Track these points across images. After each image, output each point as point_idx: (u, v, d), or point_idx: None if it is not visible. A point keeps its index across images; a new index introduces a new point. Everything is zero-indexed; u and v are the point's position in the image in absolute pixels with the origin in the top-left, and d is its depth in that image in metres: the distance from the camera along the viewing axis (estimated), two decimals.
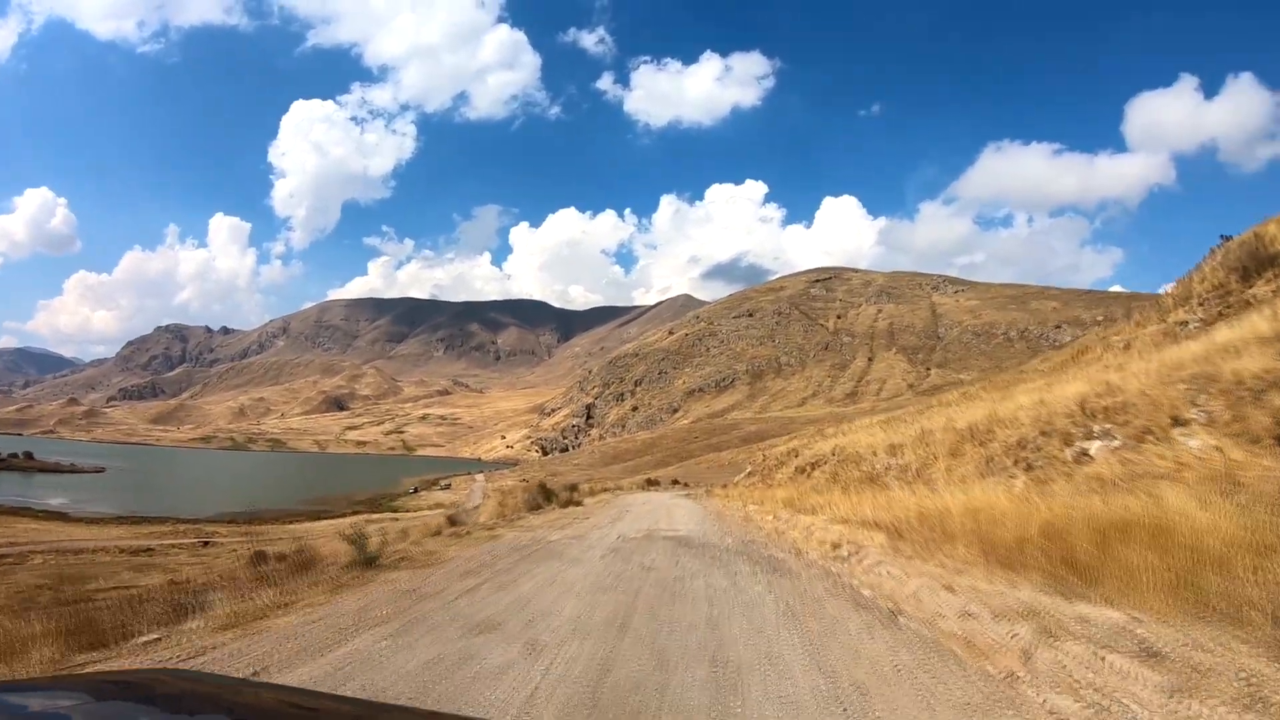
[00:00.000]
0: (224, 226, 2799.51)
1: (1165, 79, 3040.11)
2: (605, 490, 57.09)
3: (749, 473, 43.41)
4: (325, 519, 79.26)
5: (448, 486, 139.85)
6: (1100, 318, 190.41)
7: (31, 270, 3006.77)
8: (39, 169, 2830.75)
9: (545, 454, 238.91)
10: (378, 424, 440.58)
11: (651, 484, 76.64)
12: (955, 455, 18.31)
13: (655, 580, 9.94)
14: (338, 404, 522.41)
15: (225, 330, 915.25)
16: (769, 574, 10.37)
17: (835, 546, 12.14)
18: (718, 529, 18.15)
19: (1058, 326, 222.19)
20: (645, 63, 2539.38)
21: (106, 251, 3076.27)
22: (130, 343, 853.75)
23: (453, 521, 18.02)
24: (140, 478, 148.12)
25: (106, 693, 2.56)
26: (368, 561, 11.20)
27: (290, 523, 77.37)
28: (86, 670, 6.33)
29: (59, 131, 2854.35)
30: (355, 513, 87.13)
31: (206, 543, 54.02)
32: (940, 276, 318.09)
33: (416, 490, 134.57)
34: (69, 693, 2.54)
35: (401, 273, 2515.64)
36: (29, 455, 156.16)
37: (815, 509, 18.18)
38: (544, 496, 29.25)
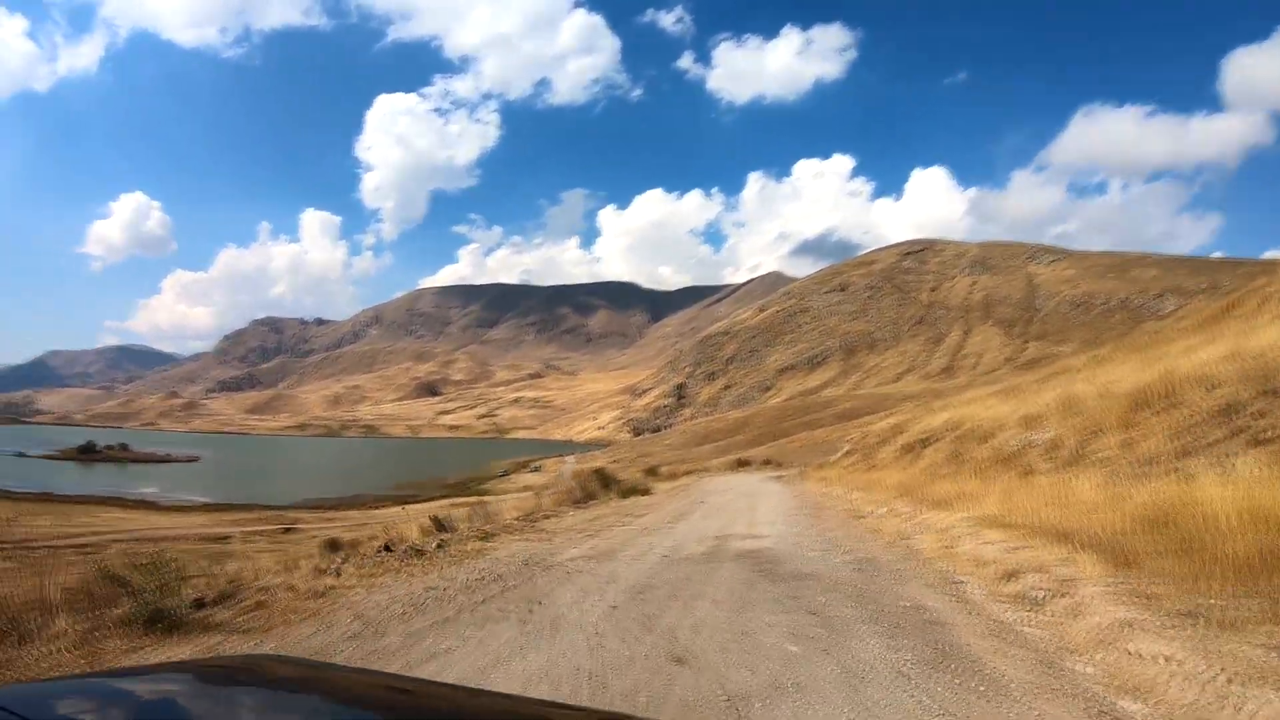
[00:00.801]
0: (314, 221, 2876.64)
1: (1262, 32, 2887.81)
2: (689, 473, 52.54)
3: (847, 451, 38.24)
4: (413, 503, 78.09)
5: (538, 469, 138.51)
6: (1205, 285, 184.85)
7: (130, 272, 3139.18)
8: (133, 174, 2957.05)
9: (637, 435, 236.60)
10: (470, 408, 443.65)
11: (742, 464, 71.98)
12: (1128, 427, 13.47)
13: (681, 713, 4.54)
14: (430, 389, 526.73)
15: (319, 321, 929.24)
16: (935, 670, 5.11)
17: (1010, 576, 7.40)
18: (816, 533, 13.22)
19: (1159, 295, 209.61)
20: (725, 40, 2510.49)
21: (201, 250, 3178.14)
22: (227, 336, 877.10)
23: (440, 526, 13.33)
24: (232, 466, 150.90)
25: (212, 678, 2.62)
26: (151, 619, 6.51)
27: (376, 508, 76.05)
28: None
29: (150, 138, 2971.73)
30: (444, 497, 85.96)
31: (288, 529, 53.32)
32: (1036, 245, 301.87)
33: (506, 473, 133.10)
34: (175, 677, 2.64)
35: (491, 259, 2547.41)
36: (124, 446, 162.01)
37: (947, 502, 13.45)
38: (601, 484, 24.54)
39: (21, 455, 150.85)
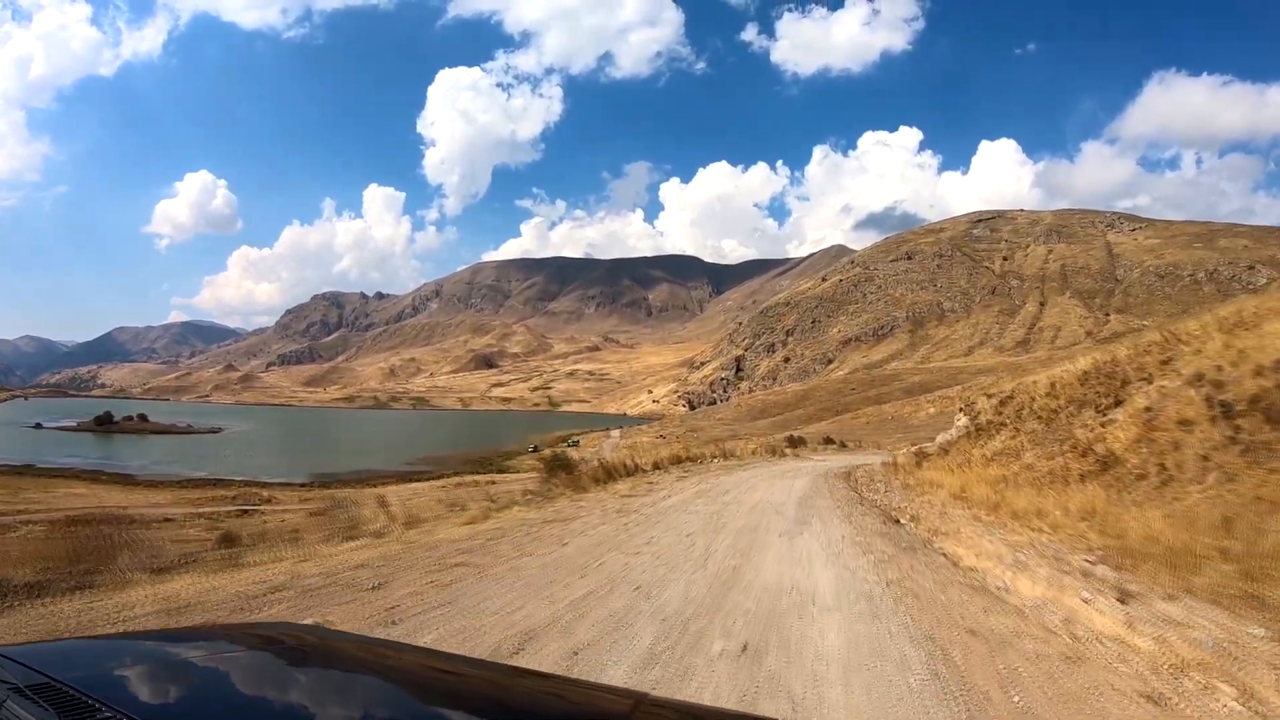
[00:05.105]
0: (378, 197, 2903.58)
1: None
2: (681, 462, 30.72)
3: (970, 433, 22.75)
4: (421, 480, 72.01)
5: (576, 444, 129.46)
6: None
7: (197, 250, 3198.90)
8: (198, 155, 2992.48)
9: (692, 408, 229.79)
10: (524, 380, 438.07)
11: (795, 444, 59.39)
12: None
13: None
14: (487, 362, 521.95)
15: (380, 295, 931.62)
16: None
17: None
18: None
19: (1251, 267, 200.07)
20: (789, 11, 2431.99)
21: (267, 227, 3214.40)
22: (289, 311, 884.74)
23: None
24: (255, 438, 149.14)
25: (262, 646, 2.66)
26: None
27: (378, 485, 66.95)
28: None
29: (215, 118, 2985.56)
30: (458, 473, 78.01)
31: (245, 511, 44.71)
32: (1114, 214, 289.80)
33: (537, 449, 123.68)
34: (227, 645, 2.61)
35: (554, 233, 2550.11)
36: (143, 417, 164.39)
37: None
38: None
39: (38, 427, 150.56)
